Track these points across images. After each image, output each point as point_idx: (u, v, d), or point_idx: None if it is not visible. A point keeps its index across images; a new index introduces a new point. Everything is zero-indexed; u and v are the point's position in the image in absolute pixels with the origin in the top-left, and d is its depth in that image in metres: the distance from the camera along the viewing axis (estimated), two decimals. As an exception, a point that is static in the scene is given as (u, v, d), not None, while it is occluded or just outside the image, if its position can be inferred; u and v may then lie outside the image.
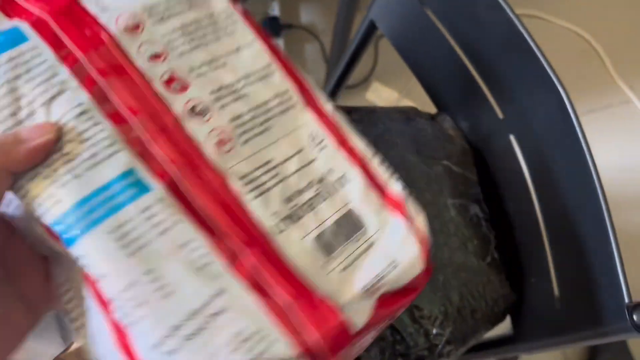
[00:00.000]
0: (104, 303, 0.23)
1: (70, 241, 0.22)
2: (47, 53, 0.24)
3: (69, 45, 0.25)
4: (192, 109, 0.26)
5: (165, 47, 0.26)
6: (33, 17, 0.25)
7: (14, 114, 0.24)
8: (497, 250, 0.53)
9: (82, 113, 0.24)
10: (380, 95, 1.18)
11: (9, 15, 0.25)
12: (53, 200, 0.23)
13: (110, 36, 0.26)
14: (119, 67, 0.25)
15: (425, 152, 0.55)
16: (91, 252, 0.22)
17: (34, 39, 0.25)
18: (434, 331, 0.49)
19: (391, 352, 0.47)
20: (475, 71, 0.53)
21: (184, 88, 0.26)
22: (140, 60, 0.26)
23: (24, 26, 0.25)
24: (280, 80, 0.29)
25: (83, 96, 0.24)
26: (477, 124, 0.57)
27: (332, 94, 0.82)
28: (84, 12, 0.26)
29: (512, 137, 0.52)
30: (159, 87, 0.26)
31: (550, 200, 0.48)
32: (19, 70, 0.24)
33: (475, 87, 0.53)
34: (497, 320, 0.52)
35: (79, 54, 0.25)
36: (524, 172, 0.50)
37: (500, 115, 0.53)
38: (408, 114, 0.58)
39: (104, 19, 0.26)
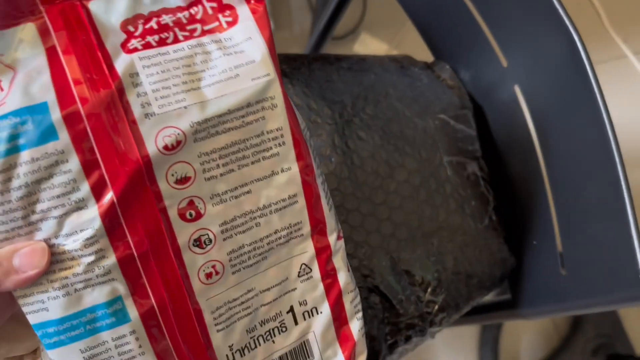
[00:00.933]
0: None
1: (47, 346, 0.24)
2: (73, 162, 0.23)
3: (98, 156, 0.23)
4: (198, 239, 0.25)
5: (197, 169, 0.25)
6: (70, 96, 0.23)
7: (26, 216, 0.23)
8: (495, 212, 0.49)
9: (90, 238, 0.23)
10: (369, 47, 1.11)
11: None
12: (41, 306, 0.24)
13: (143, 155, 0.23)
14: (140, 191, 0.24)
15: (420, 104, 0.50)
16: None
17: (64, 139, 0.22)
18: (427, 298, 0.45)
19: (380, 320, 0.43)
20: (476, 12, 0.47)
21: (197, 216, 0.25)
22: (165, 184, 0.24)
23: (56, 113, 0.22)
24: (299, 211, 0.28)
25: (95, 221, 0.23)
26: (478, 73, 0.52)
27: (317, 46, 0.76)
28: (125, 111, 0.23)
29: (516, 88, 0.47)
30: (173, 215, 0.24)
31: (557, 156, 0.44)
32: (42, 174, 0.22)
33: (477, 30, 0.48)
34: (494, 285, 0.48)
35: (105, 169, 0.23)
36: (528, 126, 0.46)
37: (504, 62, 0.47)
38: (402, 63, 0.53)
39: (144, 129, 0.23)
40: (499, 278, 0.48)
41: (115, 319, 0.24)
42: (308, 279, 0.29)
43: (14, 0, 0.23)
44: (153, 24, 0.25)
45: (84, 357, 0.24)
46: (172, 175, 0.24)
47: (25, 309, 0.24)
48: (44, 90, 0.22)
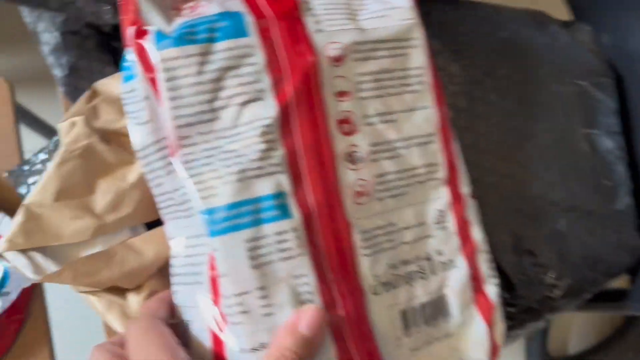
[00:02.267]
0: (216, 294, 0.24)
1: (212, 233, 0.24)
2: (259, 57, 0.26)
3: (279, 56, 0.26)
4: (350, 154, 0.27)
5: (353, 87, 0.27)
6: (258, 10, 0.26)
7: (211, 101, 0.25)
8: (631, 195, 0.44)
9: (266, 126, 0.25)
10: None
11: None
12: (212, 192, 0.25)
13: (315, 60, 0.26)
14: (310, 93, 0.26)
15: (558, 67, 0.44)
16: (224, 250, 0.24)
17: (253, 37, 0.26)
18: (549, 281, 0.42)
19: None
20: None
21: (351, 132, 0.27)
22: (329, 93, 0.27)
23: (248, 18, 0.26)
24: (435, 152, 0.29)
25: (272, 111, 0.25)
26: (623, 38, 0.46)
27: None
28: (302, 25, 0.27)
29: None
30: (332, 124, 0.27)
31: None
32: (231, 63, 0.25)
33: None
34: (620, 273, 0.44)
35: (284, 67, 0.26)
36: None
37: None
38: (539, 19, 0.47)
39: (317, 40, 0.27)
40: (627, 266, 0.44)
41: (279, 213, 0.24)
42: (443, 228, 0.29)
43: None
44: None
45: (246, 247, 0.24)
46: (334, 86, 0.27)
47: (199, 193, 0.24)
48: (238, 4, 0.26)
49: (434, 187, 0.29)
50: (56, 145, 0.45)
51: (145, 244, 0.32)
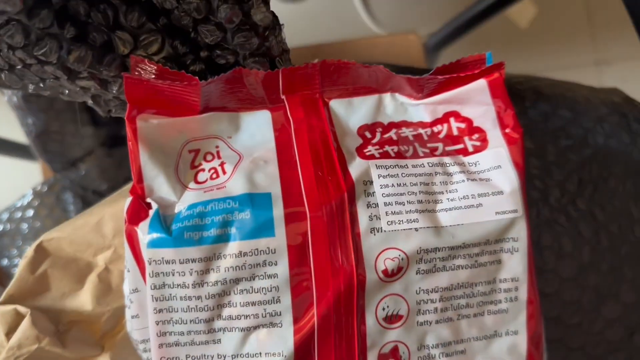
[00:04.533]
0: None
1: None
2: (282, 267, 0.20)
3: (311, 266, 0.20)
4: None
5: (411, 307, 0.21)
6: (293, 200, 0.21)
7: (210, 320, 0.20)
8: None
9: None
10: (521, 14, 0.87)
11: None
12: None
13: (359, 275, 0.20)
14: (343, 322, 0.20)
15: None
16: None
17: (280, 239, 0.20)
18: None
19: None
20: None
21: None
22: (373, 318, 0.21)
23: (278, 209, 0.20)
24: None
25: (288, 344, 0.20)
26: None
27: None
28: (352, 220, 0.21)
29: None
30: (371, 358, 0.21)
31: None
32: (243, 273, 0.20)
33: None
34: None
35: (314, 285, 0.20)
36: None
37: None
38: (626, 117, 0.35)
39: (367, 245, 0.20)
40: None
41: None
42: None
43: (265, 87, 0.22)
44: (392, 134, 0.23)
45: None
46: (384, 309, 0.21)
47: None
48: (269, 180, 0.21)
49: None
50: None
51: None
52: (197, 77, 0.21)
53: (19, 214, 0.46)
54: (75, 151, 0.37)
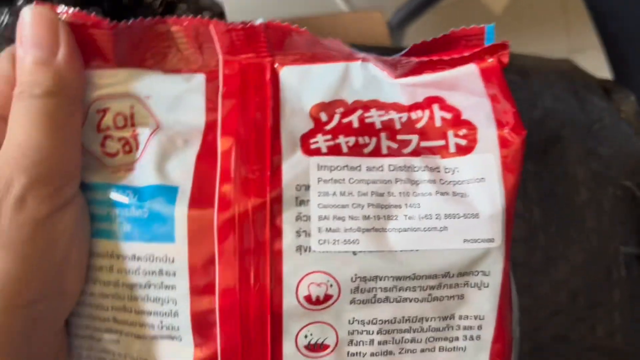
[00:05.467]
0: None
1: None
2: (181, 279, 0.17)
3: (216, 284, 0.17)
4: None
5: (341, 338, 0.17)
6: (203, 201, 0.17)
7: (102, 319, 0.18)
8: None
9: None
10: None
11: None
12: None
13: (275, 300, 0.17)
14: (254, 350, 0.17)
15: (599, 162, 0.33)
16: None
17: (180, 247, 0.16)
18: None
19: None
20: None
21: None
22: (291, 348, 0.17)
23: (181, 207, 0.17)
24: None
25: None
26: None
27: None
28: (273, 234, 0.17)
29: None
30: None
31: None
32: (137, 279, 0.17)
33: None
34: None
35: (217, 306, 0.17)
36: None
37: None
38: (575, 83, 0.35)
39: (288, 267, 0.17)
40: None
41: None
42: None
43: (199, 43, 0.18)
44: (354, 118, 0.18)
45: None
46: (306, 336, 0.17)
47: None
48: (182, 170, 0.17)
49: None
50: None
51: None
52: (107, 20, 0.17)
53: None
54: None
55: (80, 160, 0.17)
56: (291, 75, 0.18)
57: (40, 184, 0.15)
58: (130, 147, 0.18)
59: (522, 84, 0.33)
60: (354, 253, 0.17)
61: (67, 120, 0.16)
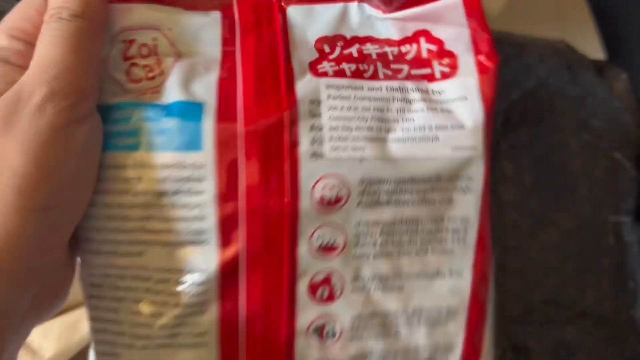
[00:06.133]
0: None
1: None
2: (209, 184, 0.18)
3: (240, 187, 0.18)
4: (319, 328, 0.20)
5: (349, 239, 0.20)
6: (228, 115, 0.19)
7: (132, 231, 0.19)
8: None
9: (197, 284, 0.18)
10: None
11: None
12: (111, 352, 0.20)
13: (292, 202, 0.19)
14: (274, 250, 0.19)
15: (591, 133, 0.34)
16: None
17: (208, 154, 0.18)
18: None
19: None
20: None
21: (329, 298, 0.20)
22: (305, 248, 0.19)
23: (209, 121, 0.18)
24: (453, 333, 0.21)
25: (212, 267, 0.18)
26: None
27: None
28: (292, 142, 0.19)
29: None
30: (302, 288, 0.20)
31: None
32: (167, 187, 0.18)
33: None
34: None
35: (242, 208, 0.18)
36: None
37: None
38: (568, 61, 0.36)
39: (304, 171, 0.19)
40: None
41: None
42: None
43: None
44: (354, 50, 0.21)
45: None
46: (318, 238, 0.19)
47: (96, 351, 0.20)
48: (205, 89, 0.19)
49: None
50: None
51: (43, 341, 0.28)
52: None
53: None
54: None
55: (98, 81, 0.18)
56: (297, 13, 0.21)
57: (59, 96, 0.16)
58: (154, 74, 0.19)
59: (517, 55, 0.34)
60: (362, 158, 0.19)
61: (88, 44, 0.17)
